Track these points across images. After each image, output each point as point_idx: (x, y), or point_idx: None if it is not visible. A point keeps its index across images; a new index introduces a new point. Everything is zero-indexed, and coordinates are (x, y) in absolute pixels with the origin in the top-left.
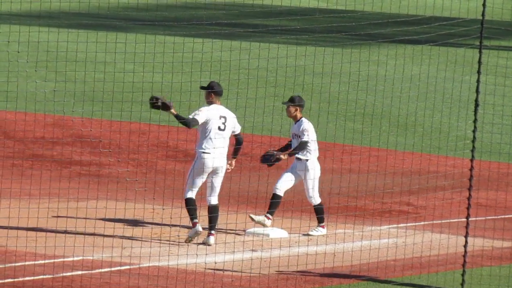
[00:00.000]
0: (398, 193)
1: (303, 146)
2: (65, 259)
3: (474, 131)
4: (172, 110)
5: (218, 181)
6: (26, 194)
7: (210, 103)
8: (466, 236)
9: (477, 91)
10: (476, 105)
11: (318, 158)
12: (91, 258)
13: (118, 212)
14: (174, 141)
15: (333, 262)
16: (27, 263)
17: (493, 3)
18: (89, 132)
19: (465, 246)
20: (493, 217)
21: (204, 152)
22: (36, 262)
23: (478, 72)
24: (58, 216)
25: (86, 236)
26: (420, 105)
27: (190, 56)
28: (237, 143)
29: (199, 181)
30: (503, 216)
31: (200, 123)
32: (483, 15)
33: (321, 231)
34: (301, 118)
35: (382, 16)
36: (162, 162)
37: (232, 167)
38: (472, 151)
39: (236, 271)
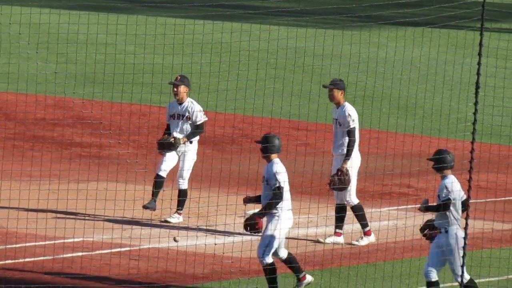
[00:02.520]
0: (398, 175)
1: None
2: (66, 241)
3: (474, 113)
4: None
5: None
6: (27, 176)
7: None
8: (466, 218)
9: (478, 74)
10: (477, 88)
11: None
12: (91, 239)
13: (119, 194)
14: None
15: (333, 244)
16: (27, 244)
17: None
18: (89, 113)
19: (465, 228)
20: (494, 199)
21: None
22: (37, 244)
23: (479, 54)
24: (58, 198)
25: (87, 217)
26: (421, 87)
27: (191, 38)
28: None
29: None
30: (503, 199)
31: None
32: None
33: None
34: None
35: None
36: None
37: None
38: (473, 133)
39: (236, 253)
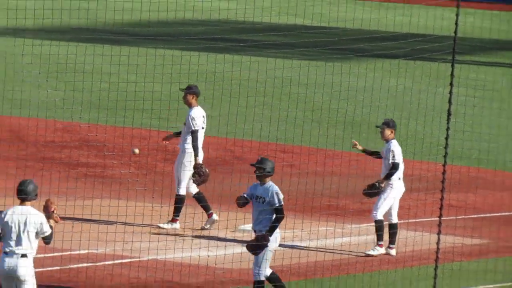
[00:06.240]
0: None
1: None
2: (72, 252)
3: (446, 138)
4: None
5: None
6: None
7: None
8: (438, 234)
9: (450, 102)
10: (449, 115)
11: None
12: (95, 251)
13: (121, 210)
14: (172, 145)
15: (316, 257)
16: (37, 256)
17: (465, 21)
18: (94, 137)
19: (437, 243)
20: (463, 216)
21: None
22: (46, 255)
23: (451, 84)
24: (65, 213)
25: (92, 231)
26: (397, 114)
27: (187, 68)
28: None
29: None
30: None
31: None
32: (455, 32)
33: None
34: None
35: (362, 32)
36: (161, 164)
37: None
38: (445, 156)
39: (227, 264)
